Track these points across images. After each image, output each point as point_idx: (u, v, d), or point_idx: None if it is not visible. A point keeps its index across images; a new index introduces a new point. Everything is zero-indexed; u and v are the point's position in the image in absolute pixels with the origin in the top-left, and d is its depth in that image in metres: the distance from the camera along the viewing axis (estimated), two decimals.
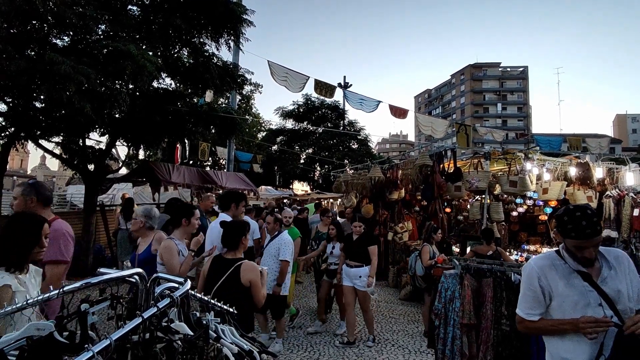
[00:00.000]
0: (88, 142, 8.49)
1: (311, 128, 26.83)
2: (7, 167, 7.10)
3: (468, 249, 6.81)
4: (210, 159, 20.73)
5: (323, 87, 9.08)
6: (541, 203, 8.03)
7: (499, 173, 7.60)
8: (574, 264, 1.81)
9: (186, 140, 12.41)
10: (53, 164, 67.25)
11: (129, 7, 6.85)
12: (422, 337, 5.18)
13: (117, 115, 7.15)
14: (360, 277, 4.76)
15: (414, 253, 5.56)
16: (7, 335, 1.20)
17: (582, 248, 1.72)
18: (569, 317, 1.77)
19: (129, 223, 7.42)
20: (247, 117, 22.00)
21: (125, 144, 8.87)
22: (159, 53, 7.09)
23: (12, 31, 5.33)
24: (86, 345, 1.09)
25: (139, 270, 1.47)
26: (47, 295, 1.28)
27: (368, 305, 4.92)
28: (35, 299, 1.27)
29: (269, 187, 20.95)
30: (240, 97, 24.23)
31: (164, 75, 7.77)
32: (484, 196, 7.03)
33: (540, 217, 8.54)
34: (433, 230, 5.47)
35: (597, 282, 1.77)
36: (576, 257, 1.79)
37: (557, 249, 1.95)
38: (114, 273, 1.47)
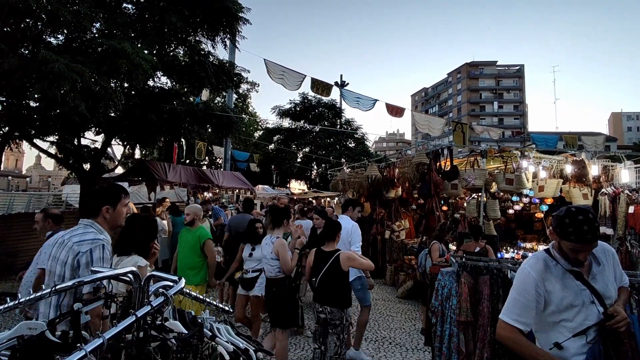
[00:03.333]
0: (83, 142, 8.44)
1: (308, 127, 26.80)
2: (2, 167, 7.05)
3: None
4: (206, 158, 20.67)
5: (320, 86, 9.07)
6: (537, 201, 8.05)
7: (496, 171, 7.60)
8: (566, 263, 1.81)
9: (182, 140, 12.37)
10: (48, 164, 66.82)
11: (124, 5, 6.81)
12: (420, 334, 5.19)
13: (112, 114, 7.10)
14: None
15: (423, 251, 5.58)
16: None
17: (578, 251, 1.72)
18: (564, 316, 1.78)
19: None
20: (243, 115, 21.96)
21: (121, 143, 8.82)
22: (154, 51, 7.04)
23: (5, 29, 5.29)
24: (78, 345, 1.07)
25: (133, 268, 1.46)
26: (39, 294, 1.27)
27: None
28: (27, 298, 1.25)
29: (266, 186, 20.92)
30: (236, 96, 24.18)
31: (159, 73, 7.74)
32: (480, 194, 7.04)
33: (536, 215, 8.56)
34: (447, 230, 5.51)
35: (588, 280, 1.79)
36: (568, 258, 1.79)
37: (547, 247, 1.94)
38: (107, 271, 1.46)
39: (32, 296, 1.29)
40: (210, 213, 9.06)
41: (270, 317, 3.94)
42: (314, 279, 3.62)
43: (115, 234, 2.69)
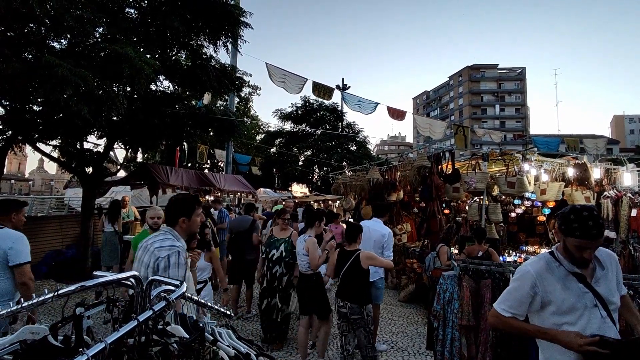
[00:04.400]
0: (86, 145, 8.46)
1: (309, 130, 26.83)
2: (5, 170, 7.07)
3: None
4: (208, 161, 20.70)
5: (321, 89, 9.09)
6: (539, 204, 8.04)
7: (497, 174, 7.61)
8: (569, 265, 1.80)
9: (184, 143, 12.39)
10: (51, 167, 67.12)
11: (127, 9, 6.84)
12: (422, 338, 5.17)
13: (114, 118, 7.12)
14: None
15: (430, 254, 5.56)
16: (0, 339, 1.19)
17: (584, 248, 1.72)
18: (566, 319, 1.76)
19: (116, 225, 7.38)
20: (245, 119, 22.01)
21: (123, 147, 8.84)
22: (156, 55, 7.07)
23: (9, 34, 5.32)
24: (81, 349, 1.08)
25: (135, 273, 1.46)
26: (41, 298, 1.27)
27: None
28: (29, 303, 1.26)
29: (267, 189, 20.93)
30: (238, 99, 24.24)
31: (161, 77, 7.76)
32: (482, 197, 7.03)
33: (538, 218, 8.54)
34: (453, 233, 5.49)
35: (591, 283, 1.78)
36: (573, 258, 1.78)
37: (551, 249, 1.94)
38: (110, 276, 1.47)
39: (34, 301, 1.30)
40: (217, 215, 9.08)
41: (301, 308, 4.40)
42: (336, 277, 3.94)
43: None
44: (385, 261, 4.01)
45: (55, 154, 8.60)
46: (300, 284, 4.42)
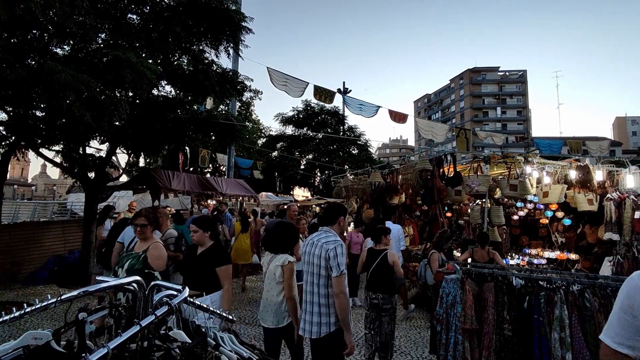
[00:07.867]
0: (88, 150, 8.52)
1: (311, 134, 26.86)
2: (8, 175, 7.10)
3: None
4: (210, 165, 20.72)
5: (322, 93, 9.13)
6: (542, 206, 8.01)
7: (499, 177, 7.58)
8: None
9: (186, 147, 12.43)
10: (54, 173, 67.52)
11: (129, 15, 6.89)
12: (425, 342, 5.15)
13: (117, 123, 7.16)
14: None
15: (423, 261, 5.50)
16: (3, 345, 1.19)
17: None
18: None
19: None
20: (247, 123, 22.05)
21: (126, 152, 8.87)
22: (158, 61, 7.12)
23: (12, 40, 5.36)
24: (83, 355, 1.08)
25: (137, 278, 1.47)
26: (44, 303, 1.28)
27: None
28: (32, 308, 1.26)
29: (269, 193, 20.96)
30: (240, 104, 24.30)
31: (163, 82, 7.80)
32: (484, 200, 7.01)
33: (541, 221, 8.51)
34: (446, 239, 5.45)
35: None
36: None
37: None
38: (112, 281, 1.47)
39: (37, 305, 1.30)
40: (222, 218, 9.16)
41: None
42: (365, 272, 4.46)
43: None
44: (401, 270, 4.53)
45: (57, 159, 8.65)
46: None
